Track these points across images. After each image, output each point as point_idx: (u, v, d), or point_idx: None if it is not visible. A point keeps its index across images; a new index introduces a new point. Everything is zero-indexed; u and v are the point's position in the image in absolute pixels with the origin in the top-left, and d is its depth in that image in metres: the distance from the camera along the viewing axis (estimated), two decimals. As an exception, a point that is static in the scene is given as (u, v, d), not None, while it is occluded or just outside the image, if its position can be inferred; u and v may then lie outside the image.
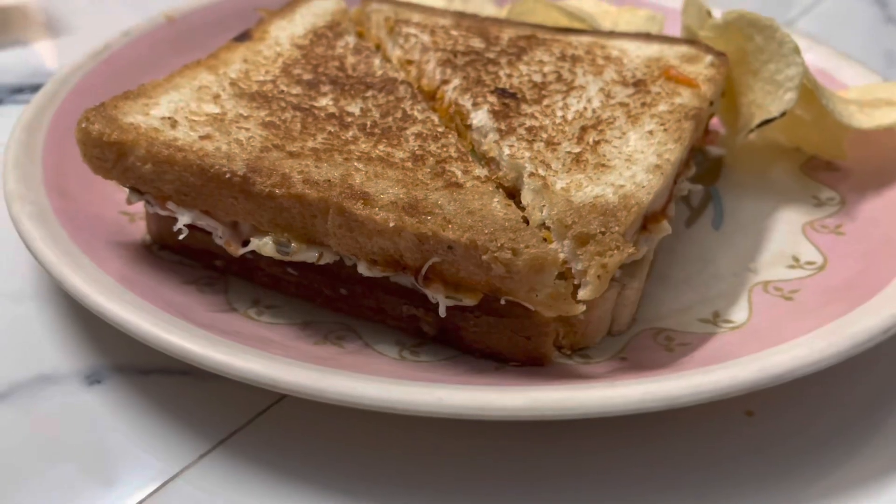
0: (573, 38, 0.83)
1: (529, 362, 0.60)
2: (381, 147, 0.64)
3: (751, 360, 0.53)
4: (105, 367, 0.62)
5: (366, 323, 0.64)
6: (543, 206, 0.59)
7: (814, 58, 0.95)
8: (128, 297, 0.58)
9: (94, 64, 0.87)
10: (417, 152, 0.64)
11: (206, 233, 0.64)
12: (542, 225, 0.59)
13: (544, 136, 0.66)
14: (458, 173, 0.61)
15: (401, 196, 0.58)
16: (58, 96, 0.80)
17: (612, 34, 0.85)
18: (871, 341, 0.54)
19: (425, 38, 0.82)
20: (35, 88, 0.94)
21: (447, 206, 0.57)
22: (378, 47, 0.86)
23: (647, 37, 0.84)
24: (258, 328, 0.61)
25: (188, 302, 0.63)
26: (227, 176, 0.60)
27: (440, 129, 0.67)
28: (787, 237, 0.74)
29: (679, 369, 0.55)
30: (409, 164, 0.62)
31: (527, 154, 0.64)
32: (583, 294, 0.56)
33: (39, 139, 0.74)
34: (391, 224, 0.56)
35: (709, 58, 0.78)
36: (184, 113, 0.67)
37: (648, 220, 0.63)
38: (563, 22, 0.88)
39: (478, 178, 0.61)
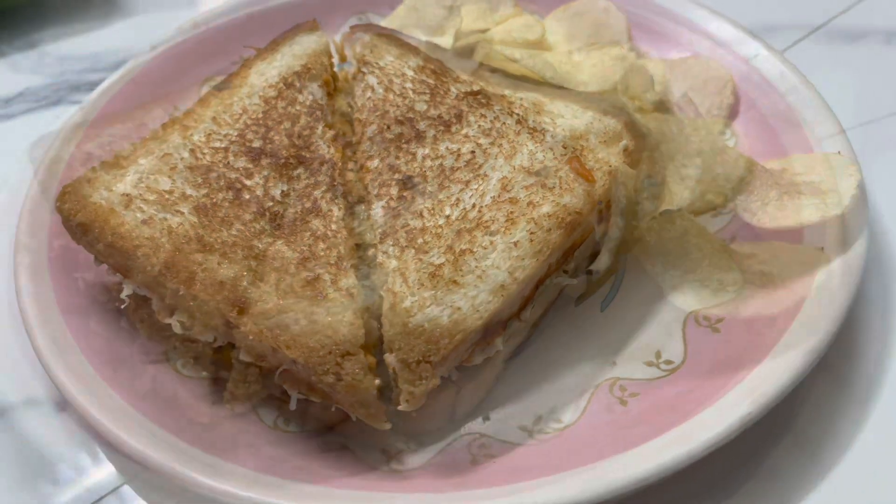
0: (520, 95, 0.88)
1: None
2: (278, 244, 0.76)
3: (507, 492, 0.64)
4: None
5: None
6: (389, 322, 0.70)
7: (795, 100, 0.93)
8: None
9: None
10: (305, 254, 0.75)
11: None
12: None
13: (419, 241, 0.75)
14: (328, 282, 0.73)
15: (269, 307, 0.71)
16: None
17: (559, 91, 0.88)
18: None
19: (380, 92, 0.89)
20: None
21: (301, 321, 0.70)
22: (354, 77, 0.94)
23: (588, 99, 0.87)
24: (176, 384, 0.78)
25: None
26: (148, 269, 0.75)
27: (333, 227, 0.77)
28: (665, 327, 0.79)
29: (460, 486, 0.67)
30: (292, 268, 0.74)
31: (394, 263, 0.74)
32: (401, 407, 0.68)
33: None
34: (250, 337, 0.69)
35: (623, 142, 0.81)
36: (140, 188, 0.80)
37: (489, 333, 0.72)
38: (519, 72, 0.92)
39: (341, 289, 0.72)
